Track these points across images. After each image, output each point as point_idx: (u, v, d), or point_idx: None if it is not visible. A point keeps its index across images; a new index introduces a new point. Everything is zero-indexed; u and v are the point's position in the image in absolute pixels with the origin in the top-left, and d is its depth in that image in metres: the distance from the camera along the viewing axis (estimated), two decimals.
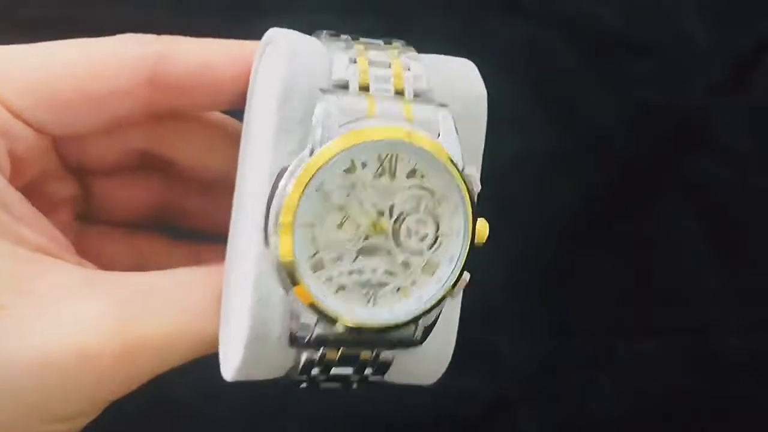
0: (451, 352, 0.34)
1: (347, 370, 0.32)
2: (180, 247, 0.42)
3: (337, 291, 0.31)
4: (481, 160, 0.34)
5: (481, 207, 0.33)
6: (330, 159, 0.30)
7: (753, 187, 0.59)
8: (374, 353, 0.32)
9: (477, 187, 0.32)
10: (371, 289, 0.31)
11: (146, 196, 0.41)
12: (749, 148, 0.59)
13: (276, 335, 0.31)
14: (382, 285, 0.32)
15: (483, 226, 0.32)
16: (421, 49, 0.34)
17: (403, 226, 0.32)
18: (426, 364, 0.34)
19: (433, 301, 0.31)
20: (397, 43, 0.33)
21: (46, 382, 0.30)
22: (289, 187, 0.30)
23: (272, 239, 0.30)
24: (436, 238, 0.32)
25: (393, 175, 0.31)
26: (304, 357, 0.32)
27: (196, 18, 0.58)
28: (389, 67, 0.32)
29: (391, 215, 0.31)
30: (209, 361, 0.34)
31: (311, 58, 0.32)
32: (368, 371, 0.32)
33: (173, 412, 0.41)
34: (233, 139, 0.36)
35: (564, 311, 0.56)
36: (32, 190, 0.36)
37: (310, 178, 0.30)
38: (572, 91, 0.60)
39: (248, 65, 0.34)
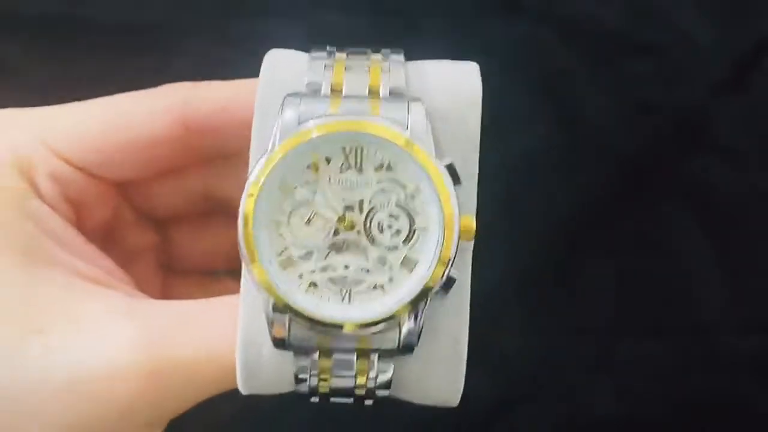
0: (463, 370, 0.33)
1: (348, 381, 0.32)
2: None
3: (308, 289, 0.31)
4: (477, 155, 0.33)
5: (482, 206, 0.33)
6: (285, 154, 0.30)
7: (753, 187, 0.59)
8: (370, 361, 0.31)
9: (460, 180, 0.31)
10: (345, 287, 0.31)
11: (219, 241, 0.43)
12: (749, 148, 0.59)
13: (267, 342, 0.31)
14: (358, 282, 0.31)
15: (468, 221, 0.31)
16: (421, 49, 0.34)
17: (374, 221, 0.31)
18: (436, 381, 0.33)
19: (411, 297, 0.31)
20: (386, 50, 0.33)
21: (76, 401, 0.32)
22: (248, 185, 0.31)
23: (241, 248, 0.31)
24: (414, 233, 0.31)
25: (360, 169, 0.31)
26: (295, 363, 0.32)
27: (197, 18, 0.58)
28: (367, 70, 0.32)
29: (361, 210, 0.31)
30: None
31: (289, 70, 0.33)
32: (371, 382, 0.32)
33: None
34: None
35: (564, 311, 0.56)
36: (113, 240, 0.39)
37: (268, 174, 0.30)
38: (572, 91, 0.60)
39: None
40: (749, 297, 0.57)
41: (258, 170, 0.31)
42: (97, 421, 0.32)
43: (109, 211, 0.40)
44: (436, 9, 0.58)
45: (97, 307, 0.33)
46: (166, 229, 0.44)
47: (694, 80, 0.60)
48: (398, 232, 0.31)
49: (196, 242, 0.44)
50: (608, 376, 0.55)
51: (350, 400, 0.33)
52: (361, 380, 0.32)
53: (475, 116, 0.33)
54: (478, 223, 0.32)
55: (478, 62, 0.35)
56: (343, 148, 0.31)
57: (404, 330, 0.31)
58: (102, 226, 0.39)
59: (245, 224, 0.30)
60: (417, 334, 0.31)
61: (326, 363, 0.31)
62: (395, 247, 0.31)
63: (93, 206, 0.39)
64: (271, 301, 0.30)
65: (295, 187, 0.31)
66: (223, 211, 0.43)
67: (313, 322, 0.30)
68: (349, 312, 0.31)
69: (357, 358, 0.31)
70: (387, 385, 0.32)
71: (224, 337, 0.33)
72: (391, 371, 0.32)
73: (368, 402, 0.33)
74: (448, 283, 0.31)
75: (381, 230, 0.31)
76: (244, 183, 0.32)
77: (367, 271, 0.31)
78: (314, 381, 0.32)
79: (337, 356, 0.31)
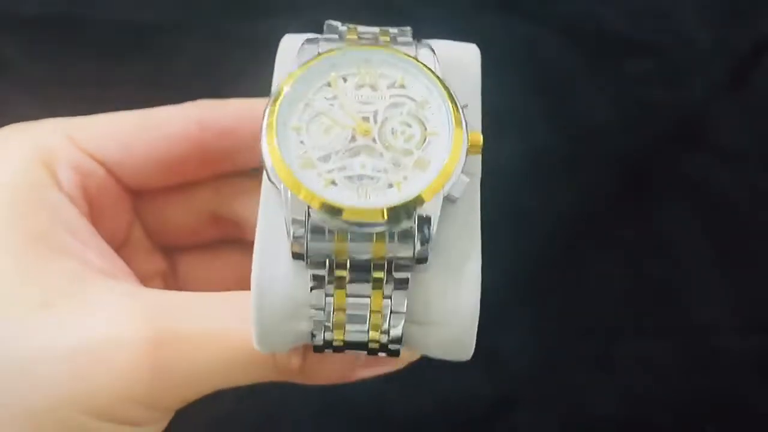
0: (475, 323, 0.33)
1: (362, 305, 0.32)
2: None
3: (326, 186, 0.32)
4: (480, 100, 0.35)
5: (482, 206, 0.33)
6: (305, 71, 0.33)
7: (753, 187, 0.59)
8: (386, 267, 0.32)
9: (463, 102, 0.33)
10: (362, 185, 0.32)
11: (228, 270, 0.44)
12: (749, 148, 0.59)
13: (284, 258, 0.32)
14: (374, 180, 0.32)
15: (475, 135, 0.33)
16: None
17: (388, 128, 0.33)
18: (447, 334, 0.33)
19: (426, 186, 0.32)
20: (394, 29, 0.36)
21: (78, 365, 0.32)
22: (271, 100, 0.33)
23: (263, 154, 0.32)
24: (425, 138, 0.33)
25: (374, 87, 0.34)
26: (311, 273, 0.32)
27: (196, 18, 0.59)
28: (377, 34, 0.35)
29: (375, 120, 0.33)
30: None
31: (307, 35, 0.35)
32: (385, 307, 0.32)
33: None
34: None
35: (564, 311, 0.56)
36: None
37: (291, 85, 0.33)
38: (572, 91, 0.60)
39: None
40: (749, 297, 0.57)
41: (278, 87, 0.33)
42: (98, 386, 0.32)
43: (122, 223, 0.41)
44: (434, 8, 0.58)
45: (104, 291, 0.34)
46: (173, 258, 0.44)
47: (694, 80, 0.60)
48: (411, 137, 0.33)
49: (203, 272, 0.44)
50: (608, 376, 0.55)
51: (365, 336, 0.33)
52: (376, 303, 0.32)
53: (475, 66, 0.36)
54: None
55: None
56: (358, 68, 0.34)
57: (417, 231, 0.31)
58: (114, 241, 0.40)
59: (268, 126, 0.32)
60: (430, 237, 0.32)
61: (341, 289, 0.32)
62: (409, 151, 0.33)
63: (109, 210, 0.39)
64: (292, 200, 0.31)
65: (314, 100, 0.33)
66: (232, 239, 0.44)
67: (334, 212, 0.31)
68: (367, 203, 0.32)
69: (373, 272, 0.32)
70: (401, 311, 0.32)
71: (236, 322, 0.33)
72: (405, 300, 0.32)
73: (383, 338, 0.33)
74: (459, 184, 0.32)
75: (395, 136, 0.33)
76: (254, 202, 0.34)
77: (383, 170, 0.33)
78: (329, 308, 0.32)
79: (351, 286, 0.32)
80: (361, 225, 0.31)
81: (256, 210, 0.33)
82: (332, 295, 0.32)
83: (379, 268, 0.32)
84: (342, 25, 0.35)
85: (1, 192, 0.35)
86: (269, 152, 0.32)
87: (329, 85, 0.34)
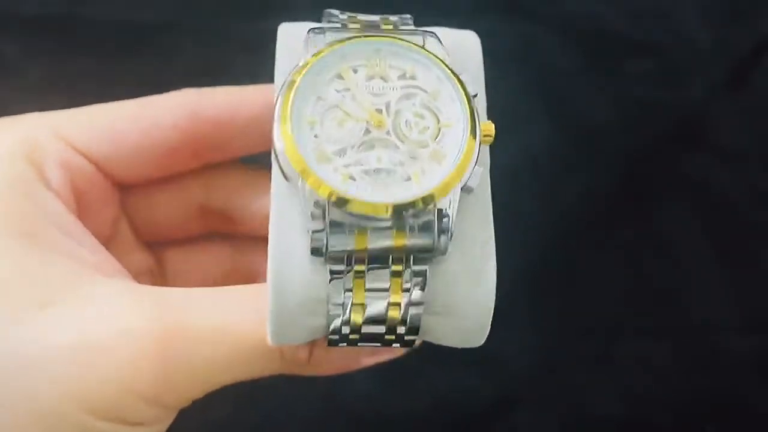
0: (491, 310, 0.33)
1: (381, 301, 0.32)
2: None
3: (344, 181, 0.32)
4: (483, 82, 0.36)
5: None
6: (315, 62, 0.33)
7: (753, 187, 0.59)
8: (405, 259, 0.32)
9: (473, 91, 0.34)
10: (380, 179, 0.32)
11: (216, 264, 0.44)
12: (749, 148, 0.59)
13: (299, 255, 0.32)
14: (390, 174, 0.32)
15: (487, 125, 0.33)
16: None
17: (402, 120, 0.33)
18: (464, 322, 0.33)
19: (443, 179, 0.32)
20: (394, 16, 0.36)
21: (82, 361, 0.32)
22: (283, 91, 0.33)
23: (277, 147, 0.32)
24: (439, 130, 0.33)
25: (385, 78, 0.34)
26: (330, 268, 0.32)
27: (196, 18, 0.59)
28: (378, 23, 0.35)
29: (388, 112, 0.33)
30: None
31: (304, 29, 0.35)
32: (404, 297, 0.32)
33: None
34: None
35: (564, 311, 0.56)
36: None
37: (301, 78, 0.33)
38: (572, 91, 0.60)
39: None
40: (749, 297, 0.57)
41: (290, 78, 0.33)
42: (102, 387, 0.32)
43: (109, 218, 0.40)
44: (435, 8, 0.58)
45: (105, 288, 0.34)
46: (160, 253, 0.44)
47: (694, 80, 0.60)
48: (425, 129, 0.33)
49: (191, 268, 0.44)
50: (609, 376, 0.55)
51: (382, 328, 0.33)
52: (395, 296, 0.32)
53: (477, 52, 0.36)
54: None
55: None
56: (368, 59, 0.34)
57: (437, 221, 0.32)
58: (101, 237, 0.39)
59: (282, 116, 0.32)
60: (449, 228, 0.32)
61: (360, 278, 0.32)
62: (424, 143, 0.33)
63: (96, 205, 0.39)
64: (309, 194, 0.31)
65: (327, 92, 0.33)
66: (219, 232, 0.43)
67: (340, 204, 0.31)
68: (386, 196, 0.32)
69: (392, 264, 0.32)
70: (419, 301, 0.32)
71: (240, 316, 0.33)
72: (425, 271, 0.32)
73: (400, 330, 0.33)
74: (474, 175, 0.33)
75: (409, 128, 0.33)
76: (254, 199, 0.33)
77: (399, 163, 0.33)
78: (347, 303, 0.32)
79: (370, 274, 0.32)
80: (367, 218, 0.31)
81: (247, 202, 0.33)
82: (351, 290, 0.32)
83: (399, 261, 0.32)
84: (341, 14, 0.35)
85: None
86: (285, 146, 0.32)
87: (340, 76, 0.34)
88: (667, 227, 0.58)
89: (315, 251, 0.31)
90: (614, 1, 0.61)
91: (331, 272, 0.32)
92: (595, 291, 0.57)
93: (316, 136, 0.33)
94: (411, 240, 0.31)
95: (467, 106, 0.33)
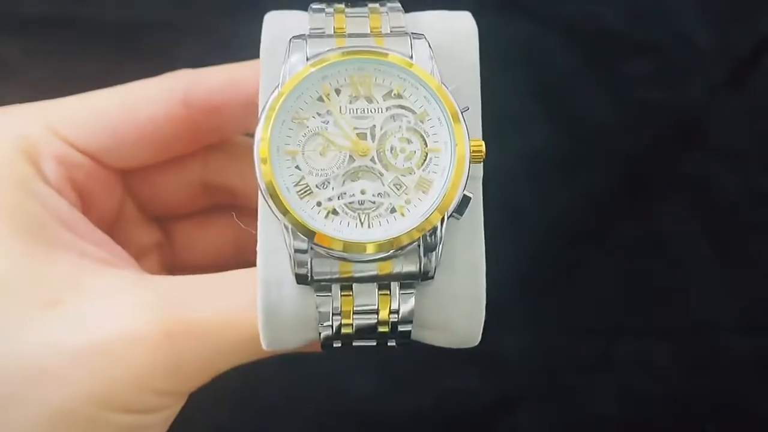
0: (483, 300, 0.33)
1: (370, 318, 0.32)
2: None
3: (327, 216, 0.31)
4: (479, 82, 0.34)
5: (482, 206, 0.33)
6: (295, 86, 0.31)
7: (753, 186, 0.59)
8: (391, 291, 0.32)
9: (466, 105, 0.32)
10: (363, 212, 0.32)
11: (221, 236, 0.44)
12: (749, 148, 0.59)
13: (288, 281, 0.32)
14: (375, 206, 0.32)
15: (478, 142, 0.32)
16: None
17: (387, 146, 0.32)
18: (457, 313, 0.34)
19: (430, 212, 0.31)
20: (383, 1, 0.34)
21: (95, 365, 0.32)
22: (263, 118, 0.31)
23: (260, 182, 0.31)
24: (426, 155, 0.32)
25: (369, 98, 0.32)
26: (318, 298, 0.32)
27: (197, 18, 0.58)
28: (367, 17, 0.33)
29: (373, 137, 0.32)
30: None
31: (292, 22, 0.34)
32: (393, 316, 0.32)
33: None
34: None
35: (564, 311, 0.56)
36: (117, 239, 0.38)
37: (280, 106, 0.31)
38: (572, 91, 0.60)
39: None
40: (749, 297, 0.57)
41: (270, 104, 0.32)
42: (117, 385, 0.32)
43: (113, 203, 0.40)
44: (434, 7, 0.58)
45: (108, 282, 0.34)
46: (168, 227, 0.44)
47: (694, 80, 0.60)
48: (412, 155, 0.32)
49: (199, 240, 0.44)
50: (608, 376, 0.55)
51: (373, 342, 0.33)
52: (383, 314, 0.32)
53: (472, 46, 0.34)
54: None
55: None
56: (351, 78, 0.32)
57: (423, 252, 0.31)
58: (107, 220, 0.40)
59: (261, 156, 0.31)
60: (436, 257, 0.31)
61: (348, 295, 0.32)
62: (409, 171, 0.32)
63: (98, 195, 0.39)
64: (293, 233, 0.31)
65: (308, 119, 0.32)
66: (223, 205, 0.43)
67: (328, 246, 0.31)
68: (370, 234, 0.31)
69: (378, 289, 0.32)
70: (409, 317, 0.32)
71: (242, 304, 0.33)
72: (413, 302, 0.32)
73: (391, 343, 0.33)
74: (463, 203, 0.32)
75: (395, 155, 0.32)
76: (242, 169, 0.32)
77: (384, 194, 0.32)
78: (336, 320, 0.32)
79: (358, 288, 0.32)
80: (353, 255, 0.31)
81: (247, 175, 0.33)
82: (339, 314, 0.32)
83: (385, 286, 0.32)
84: (328, 7, 0.34)
85: None
86: (265, 184, 0.31)
87: (321, 99, 0.32)
88: (667, 227, 0.58)
89: (300, 279, 0.31)
90: (614, 1, 0.61)
91: (319, 295, 0.32)
92: (595, 291, 0.57)
93: (297, 168, 0.32)
94: (396, 267, 0.31)
95: (454, 127, 0.32)
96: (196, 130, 0.39)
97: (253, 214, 0.38)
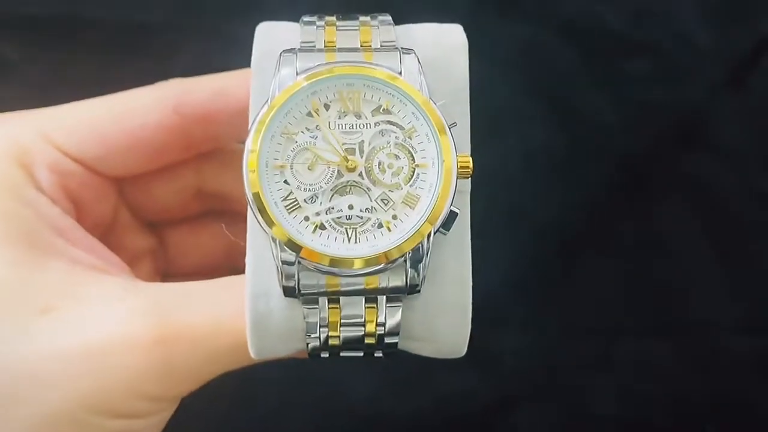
0: (469, 313, 0.34)
1: (357, 330, 0.32)
2: None
3: (315, 230, 0.32)
4: (468, 96, 0.34)
5: (481, 206, 0.33)
6: (285, 101, 0.32)
7: (752, 186, 0.59)
8: (378, 304, 0.32)
9: (454, 120, 0.32)
10: (351, 227, 0.32)
11: (213, 242, 0.44)
12: (749, 148, 0.59)
13: (276, 293, 0.32)
14: (362, 221, 0.32)
15: (465, 158, 0.32)
16: None
17: (375, 162, 0.32)
18: (443, 325, 0.34)
19: (416, 227, 0.31)
20: (374, 14, 0.35)
21: (87, 370, 0.32)
22: (252, 132, 0.32)
23: (249, 196, 0.31)
24: (413, 171, 0.32)
25: (358, 114, 0.32)
26: (305, 311, 0.32)
27: (196, 19, 0.59)
28: (358, 30, 0.34)
29: (361, 152, 0.32)
30: None
31: (283, 34, 0.34)
32: (379, 328, 0.32)
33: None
34: None
35: (564, 311, 0.56)
36: (111, 244, 0.39)
37: (269, 121, 0.32)
38: (572, 91, 0.60)
39: None
40: (748, 297, 0.57)
41: (260, 118, 0.32)
42: (108, 389, 0.32)
43: (107, 209, 0.40)
44: (434, 8, 0.58)
45: (101, 288, 0.34)
46: (161, 233, 0.44)
47: (694, 80, 0.60)
48: (399, 170, 0.32)
49: (191, 245, 0.45)
50: (608, 376, 0.55)
51: (360, 353, 0.33)
52: (370, 327, 0.32)
53: (462, 60, 0.34)
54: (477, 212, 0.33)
55: (477, 62, 0.36)
56: (341, 93, 0.32)
57: (410, 266, 0.31)
58: (100, 226, 0.40)
59: (250, 170, 0.31)
60: (423, 271, 0.32)
61: (335, 308, 0.32)
62: (397, 186, 0.32)
63: (92, 202, 0.39)
64: (281, 246, 0.31)
65: (297, 134, 0.32)
66: (216, 210, 0.43)
67: (316, 260, 0.31)
68: (357, 249, 0.31)
69: (365, 302, 0.32)
70: (395, 330, 0.32)
71: (232, 310, 0.33)
72: (399, 315, 0.32)
73: (378, 354, 0.33)
74: (450, 218, 0.32)
75: (382, 171, 0.32)
76: (235, 176, 0.32)
77: (371, 210, 0.32)
78: (324, 332, 0.32)
79: (345, 300, 0.32)
80: (341, 270, 0.31)
81: (239, 182, 0.33)
82: (326, 326, 0.32)
83: (372, 299, 0.32)
84: (320, 19, 0.34)
85: None
86: (253, 198, 0.31)
87: (311, 114, 0.32)
88: (667, 227, 0.58)
89: (288, 291, 0.32)
90: (614, 2, 0.61)
91: (306, 307, 0.32)
92: (595, 291, 0.57)
93: (286, 182, 0.32)
94: (383, 282, 0.32)
95: (441, 143, 0.32)
96: (188, 138, 0.39)
97: (245, 220, 0.38)
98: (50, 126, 0.37)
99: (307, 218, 0.32)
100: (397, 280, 0.32)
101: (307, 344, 0.33)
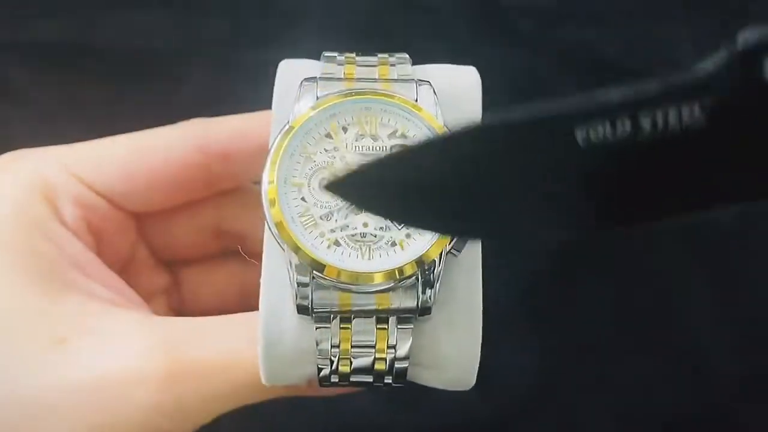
0: (476, 365, 0.34)
1: (367, 356, 0.33)
2: None
3: (330, 246, 0.32)
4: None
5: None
6: (305, 122, 0.33)
7: (749, 207, 0.59)
8: (389, 326, 0.32)
9: None
10: (365, 244, 0.32)
11: (228, 282, 0.45)
12: None
13: (289, 311, 0.33)
14: (376, 239, 0.33)
15: None
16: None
17: None
18: (451, 375, 0.34)
19: (429, 246, 0.32)
20: (393, 54, 0.36)
21: (98, 402, 0.33)
22: (272, 151, 0.33)
23: (265, 207, 0.32)
24: None
25: (374, 137, 0.33)
26: (317, 332, 0.32)
27: (203, 46, 0.59)
28: (376, 66, 0.35)
29: None
30: None
31: (304, 68, 0.35)
32: (389, 353, 0.33)
33: None
34: None
35: (562, 330, 0.57)
36: (129, 280, 0.39)
37: (289, 140, 0.33)
38: None
39: None
40: (740, 317, 0.57)
41: (280, 137, 0.33)
42: (120, 424, 0.33)
43: (127, 245, 0.41)
44: (433, 35, 0.59)
45: (115, 322, 0.34)
46: (177, 271, 0.44)
47: None
48: None
49: (206, 285, 0.45)
50: (605, 396, 0.55)
51: (370, 378, 0.33)
52: (380, 345, 0.32)
53: (476, 96, 0.36)
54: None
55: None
56: (358, 117, 0.33)
57: (422, 286, 0.32)
58: (119, 262, 0.40)
59: (269, 186, 0.32)
60: (435, 292, 0.32)
61: (347, 328, 0.32)
62: None
63: (113, 237, 0.39)
64: (296, 261, 0.32)
65: (315, 153, 0.33)
66: (234, 250, 0.43)
67: (333, 275, 0.31)
68: (371, 265, 0.32)
69: (376, 323, 0.32)
70: (406, 354, 0.33)
71: (245, 345, 0.34)
72: (410, 339, 0.33)
73: (387, 379, 0.33)
74: (462, 239, 0.32)
75: None
76: (254, 215, 0.33)
77: (386, 228, 0.33)
78: (335, 356, 0.32)
79: (357, 323, 0.32)
80: (359, 285, 0.32)
81: (257, 222, 0.33)
82: (338, 346, 0.33)
83: (383, 320, 0.32)
84: (340, 55, 0.35)
85: (2, 228, 0.35)
86: (271, 213, 0.32)
87: (329, 135, 0.33)
88: (662, 248, 0.58)
89: (301, 309, 0.32)
90: (612, 29, 0.62)
91: (318, 327, 0.32)
92: (592, 311, 0.57)
93: (303, 200, 0.33)
94: (395, 302, 0.32)
95: None
96: (210, 176, 0.40)
97: (259, 258, 0.39)
98: (75, 159, 0.38)
99: (322, 234, 0.32)
100: (408, 301, 0.32)
101: (319, 369, 0.33)
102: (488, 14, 0.61)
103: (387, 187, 0.24)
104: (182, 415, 0.34)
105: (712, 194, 0.24)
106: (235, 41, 0.59)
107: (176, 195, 0.40)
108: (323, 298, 0.32)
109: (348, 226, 0.33)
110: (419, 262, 0.32)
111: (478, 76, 0.36)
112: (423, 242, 0.32)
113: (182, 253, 0.44)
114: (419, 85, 0.34)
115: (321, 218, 0.33)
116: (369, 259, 0.32)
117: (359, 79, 0.34)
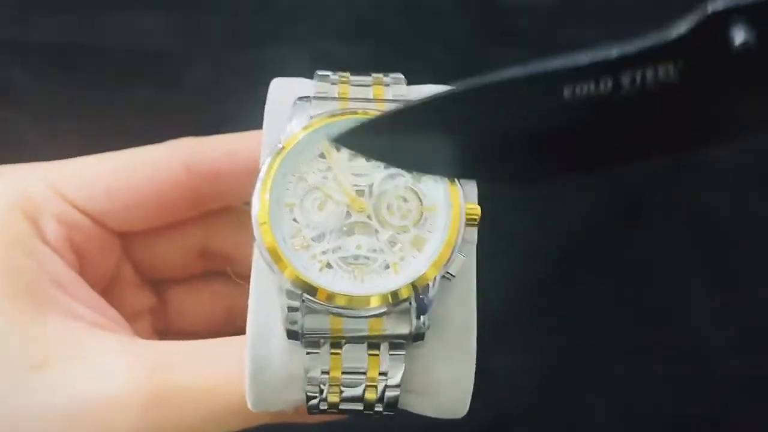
0: (470, 392, 0.34)
1: (358, 384, 0.32)
2: None
3: (321, 269, 0.32)
4: None
5: (482, 228, 0.34)
6: (297, 142, 0.32)
7: (746, 208, 0.59)
8: (381, 353, 0.32)
9: None
10: (358, 267, 0.32)
11: (214, 303, 0.44)
12: (743, 170, 0.60)
13: (278, 334, 0.32)
14: (370, 262, 0.32)
15: (473, 206, 0.32)
16: (418, 79, 0.35)
17: (384, 204, 0.32)
18: (443, 402, 0.34)
19: (423, 270, 0.31)
20: (388, 73, 0.35)
21: (80, 427, 0.32)
22: (264, 170, 0.32)
23: (255, 227, 0.31)
24: (422, 214, 0.32)
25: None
26: (306, 357, 0.32)
27: (201, 46, 0.59)
28: (371, 86, 0.34)
29: (370, 194, 0.32)
30: None
31: (297, 88, 0.34)
32: (381, 382, 0.32)
33: None
34: None
35: (563, 330, 0.57)
36: (113, 301, 0.38)
37: (281, 161, 0.32)
38: None
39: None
40: (742, 317, 0.57)
41: (272, 157, 0.32)
42: None
43: (110, 264, 0.40)
44: (433, 39, 0.59)
45: (98, 345, 0.34)
46: (162, 292, 0.44)
47: None
48: (407, 213, 0.32)
49: (192, 306, 0.44)
50: (606, 396, 0.55)
51: (360, 406, 0.33)
52: (372, 373, 0.32)
53: None
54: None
55: None
56: None
57: (415, 311, 0.31)
58: (102, 281, 0.40)
59: (261, 206, 0.31)
60: (428, 317, 0.31)
61: (337, 354, 0.32)
62: (405, 229, 0.32)
63: (96, 256, 0.39)
64: (286, 284, 0.31)
65: (308, 173, 0.32)
66: (219, 271, 0.43)
67: (326, 298, 0.31)
68: (363, 288, 0.31)
69: (368, 348, 0.32)
70: (397, 382, 0.32)
71: (229, 371, 0.33)
72: (402, 365, 0.32)
73: (378, 408, 0.33)
74: (456, 263, 0.32)
75: (391, 213, 0.32)
76: (241, 236, 0.32)
77: (379, 251, 0.32)
78: (324, 385, 0.32)
79: (347, 349, 0.32)
80: (352, 310, 0.31)
81: (245, 243, 0.33)
82: (328, 373, 0.32)
83: (375, 346, 0.32)
84: (333, 74, 0.35)
85: None
86: (262, 234, 0.31)
87: (323, 156, 0.33)
88: (663, 248, 0.58)
89: (291, 335, 0.31)
90: (612, 32, 0.62)
91: (308, 352, 0.32)
92: (593, 311, 0.57)
93: (295, 220, 0.32)
94: (388, 328, 0.31)
95: (449, 189, 0.32)
96: (197, 196, 0.39)
97: (247, 279, 0.39)
98: (59, 177, 0.37)
99: (314, 256, 0.32)
100: (402, 327, 0.32)
101: (307, 397, 0.32)
102: (488, 14, 0.61)
103: (395, 136, 0.25)
104: None
105: (681, 142, 0.26)
106: (235, 41, 0.59)
107: (162, 214, 0.39)
108: (314, 323, 0.31)
109: (340, 248, 0.32)
110: (414, 285, 0.31)
111: None
112: (418, 265, 0.32)
113: (168, 273, 0.43)
114: None
115: (313, 239, 0.32)
116: (361, 281, 0.32)
117: (354, 99, 0.34)
